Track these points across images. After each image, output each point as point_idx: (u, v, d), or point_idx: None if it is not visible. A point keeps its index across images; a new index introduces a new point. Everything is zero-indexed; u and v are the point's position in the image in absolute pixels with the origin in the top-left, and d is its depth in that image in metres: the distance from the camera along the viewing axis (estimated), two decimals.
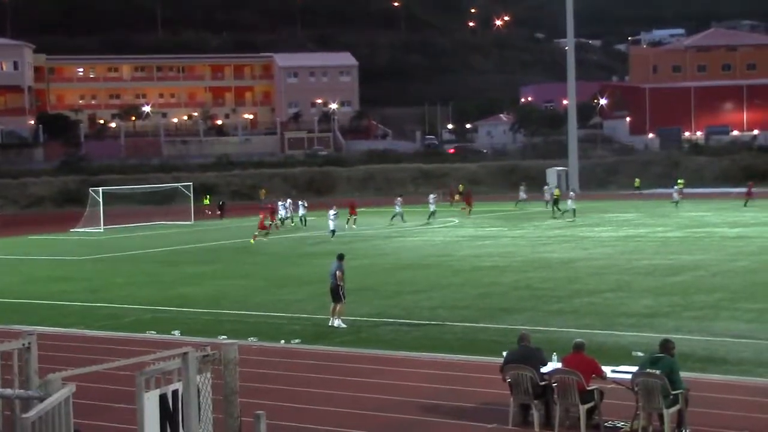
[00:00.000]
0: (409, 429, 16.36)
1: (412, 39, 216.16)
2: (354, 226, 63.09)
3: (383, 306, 28.86)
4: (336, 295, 26.48)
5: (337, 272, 26.62)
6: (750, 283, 32.83)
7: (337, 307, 26.47)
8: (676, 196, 76.60)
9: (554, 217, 67.01)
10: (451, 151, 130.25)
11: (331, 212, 56.92)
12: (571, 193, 73.00)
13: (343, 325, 26.30)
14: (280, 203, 69.68)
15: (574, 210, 65.83)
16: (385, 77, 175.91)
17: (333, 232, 55.44)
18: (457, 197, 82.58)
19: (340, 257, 27.50)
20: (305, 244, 53.38)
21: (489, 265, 40.47)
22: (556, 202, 71.09)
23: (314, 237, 56.95)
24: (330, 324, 26.35)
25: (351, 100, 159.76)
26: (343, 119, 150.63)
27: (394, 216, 66.75)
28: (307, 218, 66.30)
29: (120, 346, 23.91)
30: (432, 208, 68.50)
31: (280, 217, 66.71)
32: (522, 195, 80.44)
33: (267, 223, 58.30)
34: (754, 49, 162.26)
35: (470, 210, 73.09)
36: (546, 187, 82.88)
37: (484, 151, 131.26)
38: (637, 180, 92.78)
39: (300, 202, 68.51)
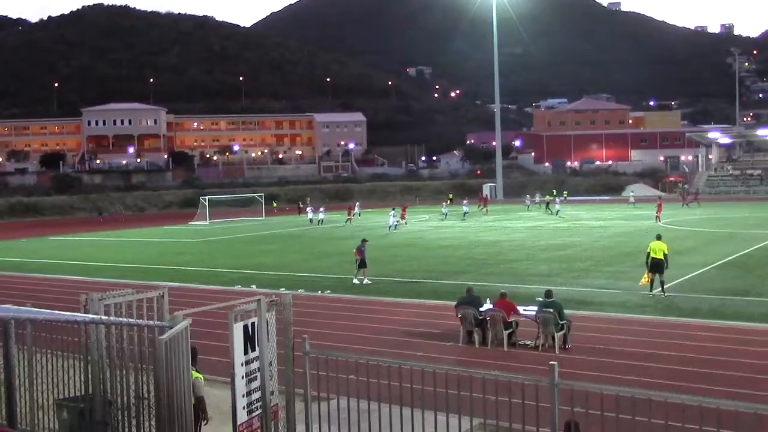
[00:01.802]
0: (397, 345, 16.37)
1: (399, 104, 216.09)
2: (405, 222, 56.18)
3: (382, 270, 28.86)
4: (363, 263, 26.41)
5: (363, 248, 26.51)
6: (607, 255, 32.87)
7: (363, 271, 26.42)
8: (528, 202, 75.59)
9: (550, 213, 63.82)
10: (478, 172, 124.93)
11: (391, 212, 52.76)
12: (557, 199, 69.86)
13: (368, 282, 26.06)
14: (308, 208, 66.61)
15: (559, 210, 63.51)
16: (383, 128, 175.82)
17: (389, 227, 50.90)
18: (448, 201, 77.76)
19: (365, 240, 27.37)
20: (333, 233, 53.37)
21: (447, 244, 40.44)
22: (547, 205, 68.24)
23: (336, 228, 56.86)
24: (359, 282, 26.02)
25: (362, 142, 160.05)
26: (357, 154, 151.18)
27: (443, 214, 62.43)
28: (328, 217, 63.18)
29: (219, 294, 23.93)
30: (465, 209, 63.74)
31: (309, 218, 62.91)
32: (465, 204, 77.75)
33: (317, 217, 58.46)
34: (608, 111, 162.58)
35: (487, 209, 69.41)
36: (527, 195, 79.17)
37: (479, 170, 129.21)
38: (554, 191, 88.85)
39: (321, 207, 64.59)
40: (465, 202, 66.49)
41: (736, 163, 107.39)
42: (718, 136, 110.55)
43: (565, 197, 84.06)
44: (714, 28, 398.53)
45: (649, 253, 21.96)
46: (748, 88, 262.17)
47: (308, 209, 65.71)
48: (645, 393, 7.21)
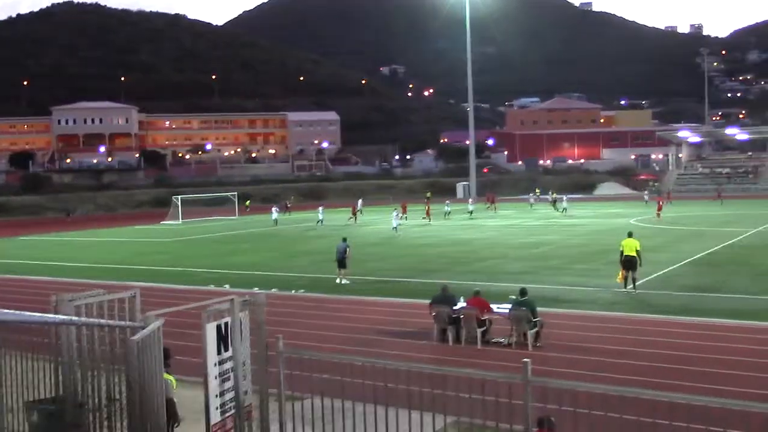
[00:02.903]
0: (371, 344, 16.36)
1: (373, 103, 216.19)
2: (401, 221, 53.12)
3: (357, 268, 28.78)
4: (342, 263, 26.17)
5: (347, 249, 26.28)
6: (579, 253, 33.14)
7: (342, 271, 26.20)
8: (532, 200, 76.54)
9: (556, 211, 63.43)
10: (485, 170, 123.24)
11: (394, 212, 49.34)
12: (563, 196, 68.72)
13: (348, 282, 25.81)
14: (273, 208, 62.99)
15: (565, 208, 62.20)
16: (356, 127, 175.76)
17: (394, 228, 47.08)
18: (427, 201, 73.09)
19: (345, 239, 27.12)
20: (306, 232, 53.21)
21: (422, 243, 40.51)
22: (554, 202, 67.53)
23: (309, 227, 56.64)
24: (338, 282, 25.76)
25: (335, 141, 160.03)
26: (331, 153, 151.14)
27: (446, 213, 61.15)
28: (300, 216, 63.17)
29: (192, 294, 23.75)
30: (470, 207, 63.25)
31: (273, 218, 59.32)
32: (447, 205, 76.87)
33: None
34: (580, 110, 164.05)
35: (496, 207, 68.68)
36: (531, 194, 79.04)
37: (488, 167, 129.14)
38: (538, 189, 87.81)
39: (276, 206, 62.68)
40: (447, 202, 66.27)
41: (706, 162, 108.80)
42: (687, 134, 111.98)
43: (537, 195, 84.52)
44: (684, 29, 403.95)
45: (622, 250, 22.17)
46: (717, 88, 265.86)
47: (273, 209, 62.56)
48: (617, 389, 7.27)
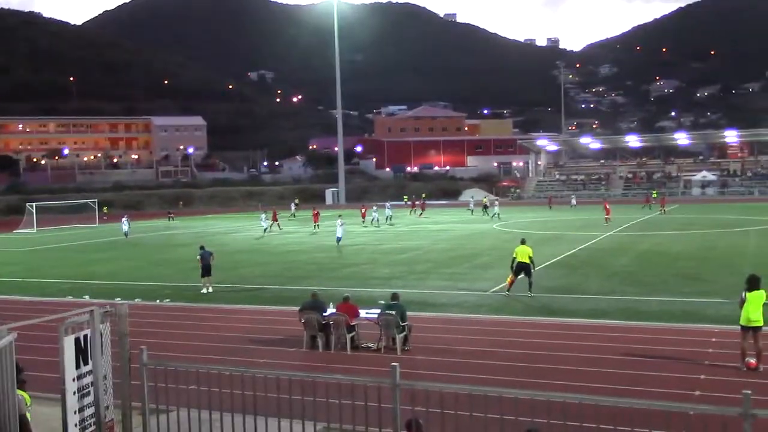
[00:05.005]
0: (239, 353, 16.09)
1: (241, 108, 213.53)
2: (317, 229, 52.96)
3: (224, 276, 28.26)
4: (207, 271, 25.47)
5: (212, 256, 25.65)
6: (446, 257, 33.93)
7: (207, 279, 25.51)
8: (472, 205, 74.22)
9: (486, 216, 63.43)
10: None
11: (339, 221, 43.62)
12: (495, 200, 70.26)
13: (211, 290, 25.16)
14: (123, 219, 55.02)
15: (497, 213, 61.88)
16: (224, 132, 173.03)
17: (338, 238, 41.84)
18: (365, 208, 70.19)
19: (203, 247, 26.42)
20: (171, 239, 51.79)
21: (291, 249, 40.33)
22: (485, 208, 66.92)
23: (177, 235, 55.22)
24: (203, 292, 24.98)
25: (202, 146, 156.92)
26: (197, 158, 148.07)
27: (387, 218, 59.39)
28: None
29: (48, 306, 22.57)
30: (388, 212, 60.69)
31: (124, 230, 52.88)
32: (292, 207, 74.85)
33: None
34: (445, 119, 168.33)
35: (422, 213, 68.49)
36: (470, 198, 79.38)
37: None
38: (424, 194, 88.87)
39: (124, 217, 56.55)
40: (388, 204, 64.19)
41: (563, 169, 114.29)
42: (545, 143, 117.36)
43: (406, 201, 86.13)
44: (542, 42, 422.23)
45: (514, 257, 22.72)
46: (572, 99, 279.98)
47: (123, 219, 55.16)
48: (481, 389, 7.50)
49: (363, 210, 64.51)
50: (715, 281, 24.34)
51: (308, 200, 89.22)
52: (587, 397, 7.07)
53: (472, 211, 71.53)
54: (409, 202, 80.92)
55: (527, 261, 22.45)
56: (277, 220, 56.41)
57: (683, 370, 13.66)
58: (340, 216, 47.45)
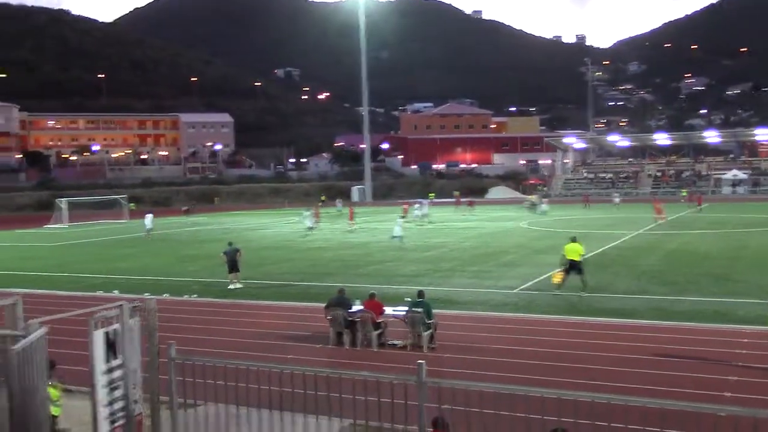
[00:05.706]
0: (266, 348, 16.18)
1: (267, 105, 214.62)
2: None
3: (251, 272, 28.39)
4: (234, 267, 25.56)
5: (238, 252, 25.77)
6: (472, 255, 33.82)
7: (235, 275, 25.61)
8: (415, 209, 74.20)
9: (534, 214, 62.36)
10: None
11: (399, 220, 43.50)
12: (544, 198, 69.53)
13: (240, 286, 25.29)
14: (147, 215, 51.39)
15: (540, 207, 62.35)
16: (251, 129, 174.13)
17: (399, 237, 39.92)
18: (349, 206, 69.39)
19: (231, 243, 26.59)
20: (197, 236, 52.13)
21: (316, 246, 40.40)
22: (533, 205, 65.99)
23: (203, 231, 55.55)
24: (230, 288, 25.04)
25: (229, 143, 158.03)
26: (224, 155, 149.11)
27: (423, 216, 57.09)
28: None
29: (79, 300, 22.83)
30: (425, 210, 58.59)
31: (147, 227, 49.75)
32: (338, 204, 76.56)
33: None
34: (471, 116, 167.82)
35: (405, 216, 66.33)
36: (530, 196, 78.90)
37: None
38: (432, 193, 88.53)
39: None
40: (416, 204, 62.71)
41: (590, 167, 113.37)
42: (573, 141, 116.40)
43: (432, 198, 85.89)
44: (569, 39, 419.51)
45: (564, 255, 22.57)
46: (600, 96, 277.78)
47: (147, 216, 51.27)
48: (507, 388, 7.47)
49: (405, 206, 64.01)
50: (746, 281, 24.01)
51: (334, 197, 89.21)
52: (615, 396, 7.01)
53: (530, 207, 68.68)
54: (455, 200, 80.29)
55: (577, 258, 22.20)
56: (318, 217, 55.96)
57: (714, 371, 13.51)
58: (402, 217, 49.59)
